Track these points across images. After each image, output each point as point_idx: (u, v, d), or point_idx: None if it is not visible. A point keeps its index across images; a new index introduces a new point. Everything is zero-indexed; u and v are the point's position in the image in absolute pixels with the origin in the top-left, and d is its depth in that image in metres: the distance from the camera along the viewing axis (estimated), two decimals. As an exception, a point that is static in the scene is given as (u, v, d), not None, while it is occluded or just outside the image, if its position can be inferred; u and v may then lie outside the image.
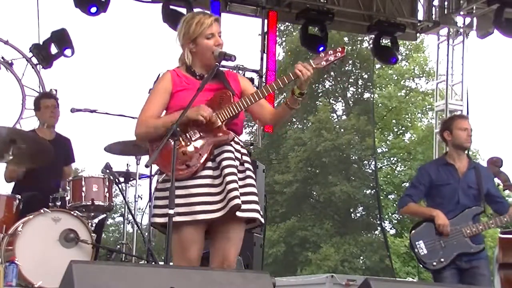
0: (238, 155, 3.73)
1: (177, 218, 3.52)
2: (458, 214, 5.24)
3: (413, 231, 5.39)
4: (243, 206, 3.59)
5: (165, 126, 3.58)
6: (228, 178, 3.59)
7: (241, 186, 3.64)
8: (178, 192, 3.56)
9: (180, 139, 3.63)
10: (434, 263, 5.20)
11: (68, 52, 8.81)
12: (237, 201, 3.54)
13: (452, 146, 5.42)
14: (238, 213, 3.59)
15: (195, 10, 4.07)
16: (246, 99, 3.70)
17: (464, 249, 5.18)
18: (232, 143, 3.71)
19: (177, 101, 3.71)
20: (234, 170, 3.63)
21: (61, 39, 8.78)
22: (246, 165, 3.76)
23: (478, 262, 5.22)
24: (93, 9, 8.67)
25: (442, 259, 5.18)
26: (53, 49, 8.76)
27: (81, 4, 8.70)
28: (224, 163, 3.64)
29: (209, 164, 3.66)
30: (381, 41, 10.35)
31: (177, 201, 3.53)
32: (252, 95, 3.71)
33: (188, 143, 3.68)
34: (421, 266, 5.32)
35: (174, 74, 3.79)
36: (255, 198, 3.69)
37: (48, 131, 6.23)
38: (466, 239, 5.18)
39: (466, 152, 5.48)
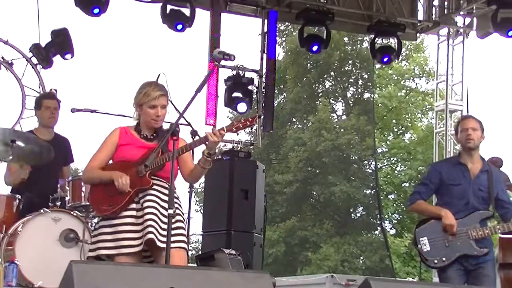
0: (165, 197, 4.26)
1: (106, 252, 4.19)
2: (467, 216, 5.19)
3: (418, 227, 5.33)
4: (173, 238, 4.12)
5: (101, 179, 4.32)
6: (147, 217, 4.20)
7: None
8: (106, 230, 4.25)
9: (116, 183, 4.22)
10: (436, 261, 5.17)
11: (68, 56, 8.86)
12: (150, 236, 4.13)
13: (461, 147, 5.44)
14: (160, 244, 4.12)
15: (149, 83, 4.48)
16: (166, 156, 4.25)
17: (467, 251, 5.13)
18: (157, 187, 4.30)
19: (120, 154, 4.39)
20: (154, 210, 4.23)
21: (62, 43, 8.77)
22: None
23: (484, 264, 5.18)
24: (96, 10, 8.69)
25: (444, 258, 5.14)
26: (54, 54, 8.79)
27: (83, 5, 8.71)
28: (146, 204, 4.25)
29: (133, 205, 4.27)
30: (380, 41, 10.35)
31: (106, 237, 4.24)
32: (167, 155, 4.23)
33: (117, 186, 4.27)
34: (423, 263, 5.25)
35: (123, 130, 4.45)
36: (182, 231, 4.32)
37: (46, 131, 6.23)
38: (471, 242, 5.13)
39: (478, 153, 5.41)
